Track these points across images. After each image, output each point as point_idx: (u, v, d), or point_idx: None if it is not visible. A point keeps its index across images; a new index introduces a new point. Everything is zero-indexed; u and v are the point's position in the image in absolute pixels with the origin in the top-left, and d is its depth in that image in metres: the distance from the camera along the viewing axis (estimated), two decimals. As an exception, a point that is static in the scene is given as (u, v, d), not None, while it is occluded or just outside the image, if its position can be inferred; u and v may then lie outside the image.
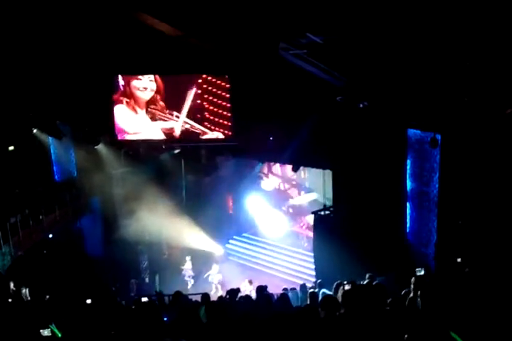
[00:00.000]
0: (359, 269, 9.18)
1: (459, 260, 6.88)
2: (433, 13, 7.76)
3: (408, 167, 10.87)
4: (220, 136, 12.71)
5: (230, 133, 12.68)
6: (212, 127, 12.78)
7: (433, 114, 9.53)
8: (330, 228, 12.00)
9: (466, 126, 9.19)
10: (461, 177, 9.63)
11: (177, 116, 12.86)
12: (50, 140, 14.97)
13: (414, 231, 10.90)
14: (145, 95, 12.85)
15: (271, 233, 17.17)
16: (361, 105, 10.43)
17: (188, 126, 12.83)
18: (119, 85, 12.89)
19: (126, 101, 12.93)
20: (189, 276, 14.91)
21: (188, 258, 15.09)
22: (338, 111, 10.96)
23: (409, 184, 10.90)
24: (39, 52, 11.42)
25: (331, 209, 12.57)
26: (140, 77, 12.78)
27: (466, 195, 9.58)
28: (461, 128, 9.32)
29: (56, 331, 5.75)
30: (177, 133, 12.92)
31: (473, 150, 9.33)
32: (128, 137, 13.19)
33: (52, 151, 15.31)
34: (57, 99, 13.34)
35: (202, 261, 15.59)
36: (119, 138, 13.23)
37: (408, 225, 10.98)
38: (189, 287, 14.42)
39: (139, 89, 12.83)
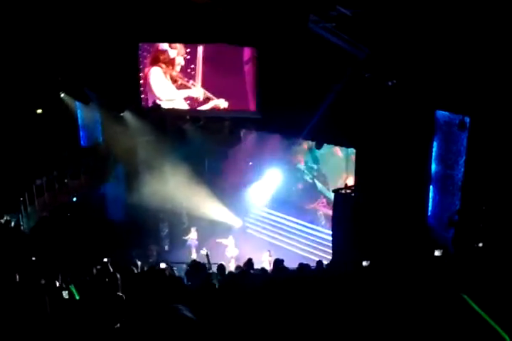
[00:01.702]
0: (377, 249, 9.19)
1: (480, 245, 6.83)
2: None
3: (434, 149, 10.70)
4: (224, 103, 12.61)
5: (253, 106, 12.67)
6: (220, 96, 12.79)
7: (463, 97, 9.32)
8: (350, 207, 11.96)
9: (496, 110, 8.98)
10: (487, 163, 9.46)
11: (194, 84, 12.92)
12: (77, 105, 15.11)
13: (435, 214, 10.81)
14: (177, 61, 12.91)
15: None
16: (390, 83, 10.25)
17: (206, 94, 12.92)
18: (149, 51, 12.92)
19: (161, 66, 13.00)
20: (194, 246, 15.04)
21: (193, 229, 15.21)
22: (365, 88, 10.78)
23: (433, 166, 10.75)
24: (69, 18, 11.45)
25: (353, 188, 12.50)
26: (173, 44, 12.80)
27: (491, 180, 9.42)
28: (491, 113, 9.11)
29: (75, 292, 5.94)
30: (200, 100, 12.98)
31: (501, 135, 9.13)
32: (160, 103, 13.31)
33: (79, 116, 15.48)
34: (85, 65, 13.43)
35: (215, 232, 15.78)
36: (150, 104, 13.34)
37: (430, 208, 10.90)
38: (193, 256, 14.58)
39: (169, 52, 12.86)
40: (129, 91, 13.54)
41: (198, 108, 13.15)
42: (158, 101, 13.42)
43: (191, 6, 10.97)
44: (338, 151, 15.45)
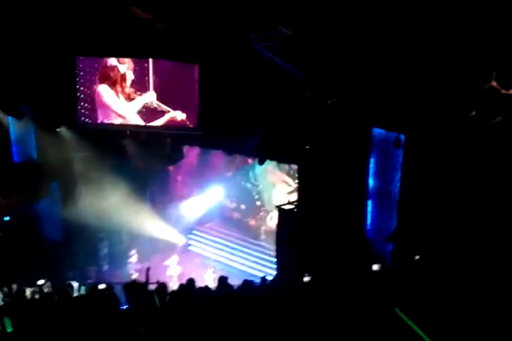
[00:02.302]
0: (318, 264, 9.32)
1: (416, 257, 7.08)
2: (400, 14, 7.92)
3: (371, 165, 11.06)
4: (181, 115, 12.63)
5: (195, 122, 12.61)
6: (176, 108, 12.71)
7: (398, 115, 9.73)
8: (293, 222, 12.12)
9: (429, 127, 9.42)
10: (422, 178, 9.89)
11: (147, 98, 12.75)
12: (9, 119, 14.47)
13: (374, 229, 11.14)
14: (128, 76, 12.65)
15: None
16: (329, 101, 10.55)
17: (154, 105, 12.73)
18: (95, 67, 12.60)
19: (111, 83, 12.67)
20: (135, 270, 14.64)
21: (133, 251, 14.83)
22: (305, 106, 11.04)
23: (371, 182, 11.10)
24: (4, 29, 11.03)
25: (295, 203, 12.67)
26: (122, 59, 12.55)
27: (426, 194, 9.84)
28: (425, 130, 9.55)
29: (8, 324, 5.60)
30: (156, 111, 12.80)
31: (435, 151, 9.58)
32: (106, 120, 12.96)
33: (11, 131, 14.80)
34: (18, 79, 12.92)
35: (157, 250, 15.44)
36: (100, 120, 12.98)
37: (369, 222, 11.21)
38: (136, 277, 14.19)
39: (118, 68, 12.60)
40: (66, 106, 13.13)
41: (154, 122, 12.91)
42: (110, 118, 13.04)
43: (133, 21, 10.89)
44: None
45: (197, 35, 10.91)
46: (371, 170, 11.09)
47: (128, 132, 13.87)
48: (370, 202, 11.18)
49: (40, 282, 8.66)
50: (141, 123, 12.89)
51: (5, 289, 7.82)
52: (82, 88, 12.86)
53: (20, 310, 6.44)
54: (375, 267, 6.98)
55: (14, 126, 14.73)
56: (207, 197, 17.34)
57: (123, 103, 12.78)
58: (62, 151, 14.28)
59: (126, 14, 10.50)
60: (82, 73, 12.74)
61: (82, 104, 12.95)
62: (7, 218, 13.92)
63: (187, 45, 11.62)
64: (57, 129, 13.95)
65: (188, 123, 12.65)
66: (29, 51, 12.06)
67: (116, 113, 12.97)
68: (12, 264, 11.60)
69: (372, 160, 11.04)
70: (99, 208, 13.84)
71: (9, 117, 14.27)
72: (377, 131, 10.77)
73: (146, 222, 15.15)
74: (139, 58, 12.54)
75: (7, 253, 12.38)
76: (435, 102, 9.03)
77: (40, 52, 12.15)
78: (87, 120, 13.05)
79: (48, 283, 8.75)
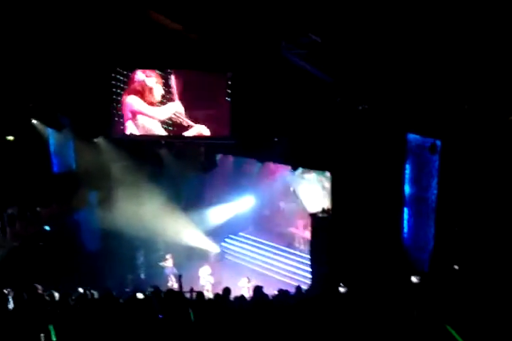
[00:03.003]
0: (355, 273, 9.20)
1: (456, 267, 6.90)
2: (436, 19, 7.79)
3: (407, 171, 10.88)
4: (205, 129, 12.78)
5: (228, 131, 12.74)
6: (202, 122, 12.89)
7: (433, 120, 9.55)
8: (327, 231, 12.01)
9: (466, 132, 9.21)
10: (459, 184, 9.65)
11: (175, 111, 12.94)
12: (49, 131, 14.91)
13: (411, 237, 10.92)
14: (153, 89, 12.91)
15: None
16: (360, 107, 10.46)
17: (180, 119, 12.93)
18: (127, 77, 12.91)
19: (137, 93, 12.97)
20: (172, 273, 14.73)
21: (168, 256, 14.96)
22: (338, 112, 10.97)
23: (407, 189, 10.91)
24: (43, 43, 11.41)
25: (329, 211, 12.56)
26: (149, 71, 12.82)
27: (464, 201, 9.59)
28: (461, 135, 9.34)
29: (53, 333, 5.73)
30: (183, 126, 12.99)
31: (472, 157, 9.35)
32: (134, 131, 13.23)
33: (51, 142, 15.25)
34: (58, 91, 13.33)
35: (190, 259, 15.53)
36: (128, 132, 13.27)
37: (405, 230, 11.00)
38: (171, 284, 14.30)
39: (146, 82, 12.89)
40: (103, 117, 13.46)
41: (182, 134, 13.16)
42: (138, 130, 13.32)
43: (164, 33, 11.10)
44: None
45: (228, 45, 11.04)
46: (407, 177, 10.90)
47: (163, 142, 14.12)
48: (406, 210, 10.99)
49: (81, 290, 8.85)
50: (164, 133, 13.14)
51: (47, 297, 8.01)
52: (116, 101, 13.20)
53: (64, 318, 6.58)
54: (414, 279, 6.81)
55: (54, 138, 15.19)
56: (239, 205, 17.38)
57: (151, 110, 13.03)
58: (101, 162, 14.62)
59: (158, 26, 10.71)
60: (115, 86, 13.08)
61: (117, 116, 13.29)
62: (47, 228, 14.30)
63: (218, 55, 11.77)
64: (96, 140, 14.32)
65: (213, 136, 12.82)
66: (68, 65, 12.44)
67: (144, 125, 13.22)
68: (53, 273, 11.89)
69: (407, 167, 10.85)
70: (136, 217, 14.06)
71: (49, 129, 14.74)
72: (412, 136, 10.59)
73: (181, 230, 15.30)
74: (170, 69, 12.78)
75: (48, 263, 12.69)
76: (472, 107, 8.84)
77: (78, 66, 12.52)
78: (122, 131, 13.36)
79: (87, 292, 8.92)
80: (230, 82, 12.48)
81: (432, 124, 9.62)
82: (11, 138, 13.85)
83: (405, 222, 10.98)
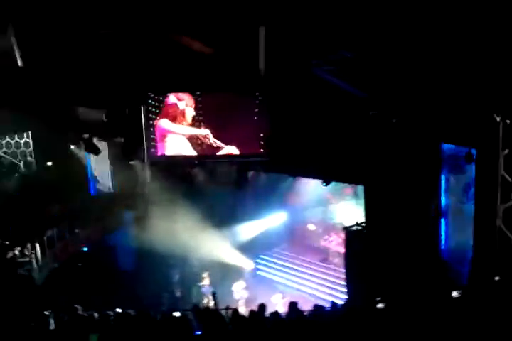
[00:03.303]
0: (392, 287, 8.99)
1: (496, 278, 6.67)
2: (468, 29, 7.71)
3: (443, 182, 10.65)
4: (235, 150, 12.94)
5: (259, 149, 12.84)
6: (231, 143, 13.03)
7: (468, 129, 9.37)
8: (362, 244, 11.81)
9: (502, 140, 8.99)
10: (496, 193, 9.37)
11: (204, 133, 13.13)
12: (86, 155, 15.38)
13: (449, 249, 10.63)
14: (185, 111, 13.18)
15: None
16: (394, 120, 10.38)
17: (210, 141, 13.10)
18: (158, 101, 13.22)
19: (169, 116, 13.26)
20: (209, 292, 14.73)
21: (205, 274, 15.00)
22: (371, 126, 10.91)
23: (443, 199, 10.67)
24: (78, 70, 11.83)
25: (363, 225, 12.39)
26: (181, 94, 13.10)
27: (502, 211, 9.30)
28: (497, 143, 9.12)
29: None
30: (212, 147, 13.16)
31: (510, 165, 9.09)
32: (168, 152, 13.48)
33: (88, 166, 15.71)
34: (94, 117, 13.77)
35: (225, 276, 15.54)
36: (159, 153, 13.53)
37: (443, 242, 10.72)
38: (207, 302, 14.29)
39: (178, 105, 13.18)
40: (138, 141, 13.78)
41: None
42: (169, 151, 13.57)
43: (195, 57, 11.33)
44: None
45: (258, 65, 11.19)
46: (443, 187, 10.67)
47: (196, 162, 14.33)
48: (443, 221, 10.72)
49: (119, 310, 8.93)
50: (195, 153, 13.32)
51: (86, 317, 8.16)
52: (150, 124, 13.51)
53: (104, 337, 6.68)
54: (455, 294, 6.60)
55: (91, 162, 15.67)
56: (272, 221, 17.39)
57: (180, 128, 13.25)
58: (136, 183, 14.94)
59: (187, 49, 10.95)
60: (149, 109, 13.40)
61: (150, 139, 13.59)
62: (85, 249, 14.62)
63: (247, 76, 11.94)
64: (131, 162, 14.67)
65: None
66: (103, 92, 12.84)
67: (174, 145, 13.43)
68: (91, 293, 12.09)
69: (443, 177, 10.64)
70: (171, 235, 14.23)
71: (87, 153, 15.21)
72: (446, 146, 10.40)
73: (215, 247, 15.38)
74: (201, 92, 13.02)
75: (86, 283, 12.92)
76: (506, 114, 8.64)
77: (112, 91, 12.91)
78: (155, 153, 13.63)
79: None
80: (257, 102, 12.64)
81: (467, 133, 9.44)
82: (50, 163, 14.38)
83: (443, 234, 10.71)
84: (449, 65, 8.53)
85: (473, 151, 9.61)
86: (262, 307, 7.86)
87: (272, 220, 17.38)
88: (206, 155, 13.48)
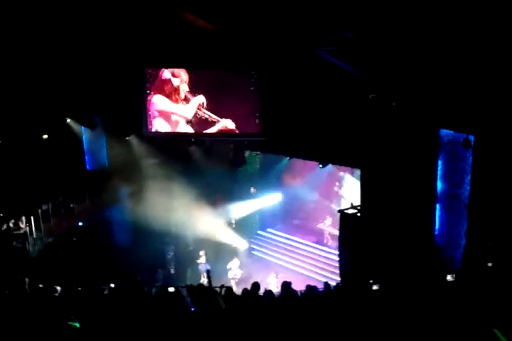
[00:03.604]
0: (385, 270, 9.09)
1: (489, 264, 6.75)
2: (469, 14, 7.62)
3: (439, 167, 10.66)
4: (231, 123, 12.86)
5: (257, 129, 12.76)
6: (227, 116, 12.96)
7: (467, 115, 9.35)
8: (356, 227, 11.89)
9: (500, 127, 8.99)
10: (494, 180, 9.42)
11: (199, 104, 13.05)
12: (82, 129, 15.26)
13: (442, 234, 10.72)
14: (178, 88, 13.04)
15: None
16: (394, 103, 10.32)
17: (205, 115, 13.00)
18: (153, 76, 13.07)
19: (162, 92, 13.12)
20: (205, 270, 14.88)
21: (202, 252, 15.12)
22: (369, 109, 10.85)
23: (439, 185, 10.70)
24: (75, 44, 11.67)
25: (358, 208, 12.45)
26: (176, 71, 12.93)
27: (498, 197, 9.36)
28: (496, 130, 9.12)
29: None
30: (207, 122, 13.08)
31: (507, 152, 9.12)
32: (161, 129, 13.38)
33: (84, 141, 15.60)
34: (90, 90, 13.62)
35: (220, 255, 15.66)
36: (153, 129, 13.43)
37: (437, 227, 10.81)
38: (202, 280, 14.44)
39: (172, 81, 13.03)
40: (134, 116, 13.68)
41: (205, 131, 13.23)
42: (164, 127, 13.46)
43: (195, 32, 11.18)
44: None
45: (260, 43, 11.06)
46: (439, 173, 10.69)
47: (192, 139, 14.26)
48: (438, 206, 10.78)
49: (112, 285, 9.02)
50: (192, 131, 13.25)
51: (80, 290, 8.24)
52: (145, 100, 13.37)
53: (97, 310, 6.74)
54: (449, 278, 6.67)
55: (87, 137, 15.55)
56: (267, 200, 17.44)
57: (177, 108, 13.14)
58: (132, 159, 14.88)
59: (187, 25, 10.79)
60: (147, 85, 13.23)
61: (146, 114, 13.47)
62: (81, 223, 14.64)
63: (247, 53, 11.80)
64: (127, 138, 14.59)
65: (237, 131, 12.86)
66: (99, 65, 12.68)
67: (169, 122, 13.34)
68: (85, 268, 12.17)
69: (440, 163, 10.64)
70: (166, 212, 14.26)
71: (82, 128, 15.09)
72: (444, 132, 10.38)
73: (210, 225, 15.45)
74: (198, 69, 12.86)
75: (80, 258, 12.99)
76: (506, 101, 8.62)
77: (109, 65, 12.75)
78: (152, 129, 13.54)
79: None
80: (253, 80, 12.51)
81: (465, 119, 9.42)
82: (45, 136, 14.25)
83: (437, 219, 10.78)
84: (450, 48, 8.46)
85: (471, 138, 9.62)
86: (256, 286, 7.95)
87: (267, 200, 17.42)
88: (202, 133, 13.39)
